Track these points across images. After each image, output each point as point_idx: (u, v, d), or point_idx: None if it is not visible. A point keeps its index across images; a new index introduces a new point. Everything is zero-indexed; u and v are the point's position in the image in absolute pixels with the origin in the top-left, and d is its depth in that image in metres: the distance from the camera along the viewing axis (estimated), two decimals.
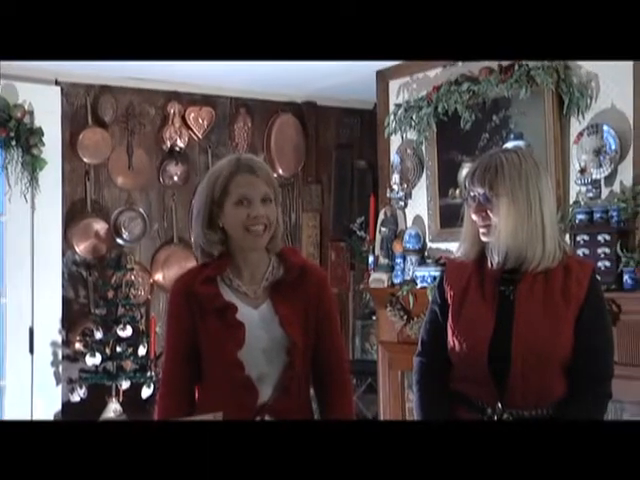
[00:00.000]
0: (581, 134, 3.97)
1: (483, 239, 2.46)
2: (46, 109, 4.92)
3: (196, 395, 2.54)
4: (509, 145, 4.08)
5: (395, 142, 5.02)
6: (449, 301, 2.52)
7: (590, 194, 3.94)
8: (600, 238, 3.77)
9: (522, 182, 2.38)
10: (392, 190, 4.98)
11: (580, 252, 3.78)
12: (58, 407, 4.99)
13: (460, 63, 4.58)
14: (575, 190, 4.03)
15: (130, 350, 4.93)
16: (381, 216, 5.03)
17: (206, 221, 2.44)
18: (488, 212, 2.41)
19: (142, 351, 4.97)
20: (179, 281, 2.54)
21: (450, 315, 2.51)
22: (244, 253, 2.47)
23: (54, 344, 5.00)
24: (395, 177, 4.95)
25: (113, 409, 4.84)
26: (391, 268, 4.92)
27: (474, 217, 2.46)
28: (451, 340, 2.48)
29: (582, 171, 3.94)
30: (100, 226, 5.20)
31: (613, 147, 3.84)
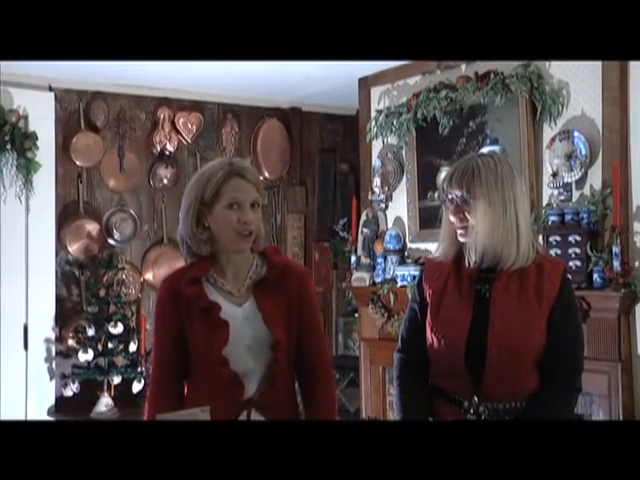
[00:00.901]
0: (553, 139, 3.99)
1: (461, 239, 2.47)
2: (40, 114, 4.92)
3: (185, 391, 2.54)
4: (485, 150, 4.08)
5: (376, 147, 5.04)
6: (428, 299, 2.52)
7: (562, 197, 3.95)
8: (571, 239, 3.78)
9: (498, 185, 2.39)
10: (373, 193, 5.01)
11: (552, 252, 3.78)
12: (52, 401, 4.98)
13: (439, 71, 4.59)
14: (547, 193, 4.04)
15: (121, 346, 4.93)
16: (363, 217, 5.04)
17: (195, 220, 2.42)
18: (465, 214, 2.41)
19: (133, 347, 4.96)
20: (166, 282, 2.53)
21: (429, 313, 2.51)
22: (228, 253, 2.46)
23: (48, 341, 4.99)
24: (376, 180, 4.98)
25: (105, 403, 4.84)
26: (372, 267, 4.93)
27: (452, 218, 2.46)
28: (430, 337, 2.48)
29: (554, 175, 3.96)
30: (92, 227, 5.20)
31: (583, 152, 3.85)
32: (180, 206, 2.49)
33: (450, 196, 2.45)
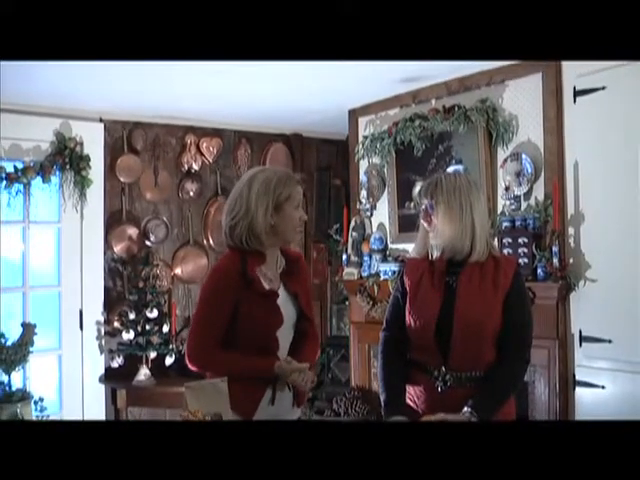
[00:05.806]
0: (505, 160, 4.01)
1: (431, 241, 2.55)
2: (92, 140, 4.94)
3: None
4: (451, 169, 4.14)
5: (363, 165, 5.04)
6: (407, 289, 2.59)
7: (512, 207, 3.99)
8: (520, 240, 3.81)
9: (456, 193, 2.47)
10: (361, 203, 5.02)
11: (505, 251, 3.81)
12: (102, 371, 5.01)
13: (414, 105, 4.60)
14: (501, 203, 4.07)
15: (156, 328, 4.95)
16: (352, 223, 5.05)
17: (270, 217, 2.42)
18: (432, 217, 2.50)
19: (165, 329, 4.98)
20: (226, 265, 2.47)
21: (408, 299, 2.57)
22: (275, 246, 2.49)
23: (98, 323, 5.02)
24: (363, 193, 4.99)
25: (144, 373, 4.87)
26: (360, 264, 4.93)
27: (423, 223, 2.55)
28: (408, 318, 2.55)
29: (506, 189, 4.00)
30: (133, 231, 5.22)
31: (529, 170, 3.89)
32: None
33: (422, 205, 2.54)
